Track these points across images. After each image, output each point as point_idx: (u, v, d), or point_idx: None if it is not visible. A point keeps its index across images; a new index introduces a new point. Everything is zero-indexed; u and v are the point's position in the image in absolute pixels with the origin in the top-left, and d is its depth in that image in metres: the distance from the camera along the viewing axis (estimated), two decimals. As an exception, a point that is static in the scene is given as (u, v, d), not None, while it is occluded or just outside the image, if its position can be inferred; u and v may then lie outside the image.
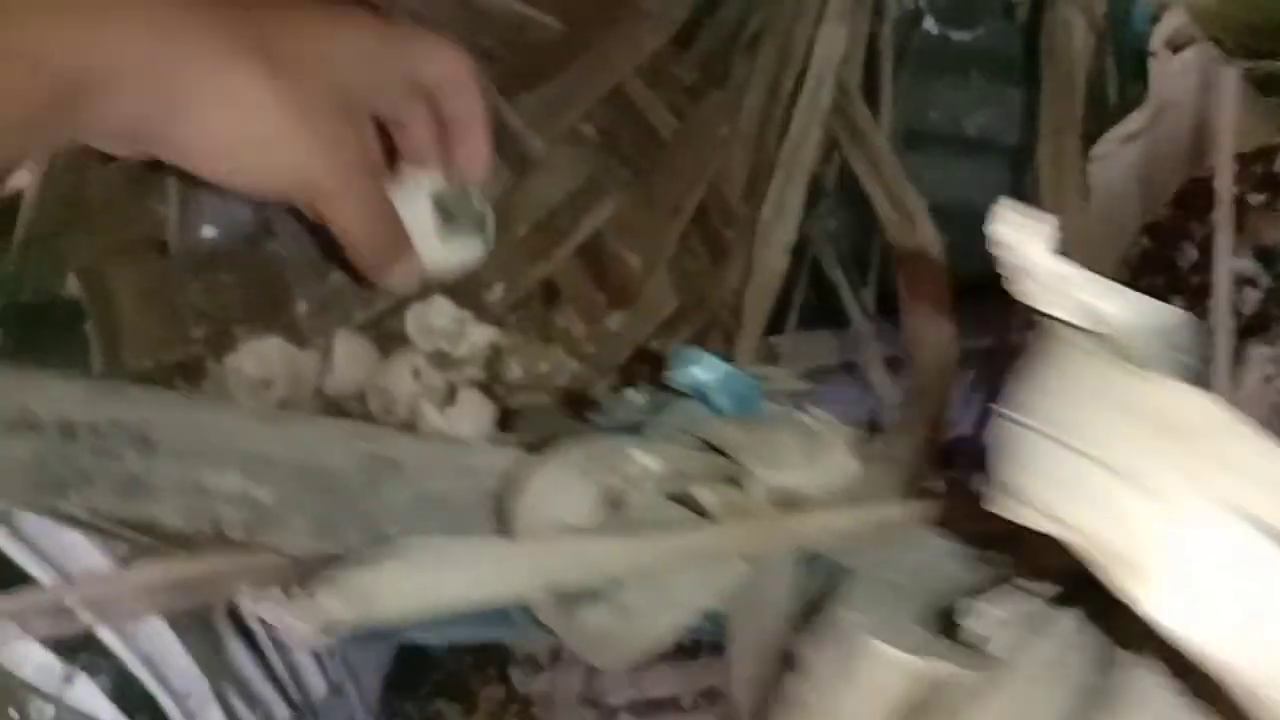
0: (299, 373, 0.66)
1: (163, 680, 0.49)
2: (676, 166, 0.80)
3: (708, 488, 0.38)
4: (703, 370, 0.40)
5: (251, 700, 0.53)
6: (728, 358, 0.68)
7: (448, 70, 0.42)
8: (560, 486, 0.37)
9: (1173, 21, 0.72)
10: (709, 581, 0.39)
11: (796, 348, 0.80)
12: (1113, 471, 0.20)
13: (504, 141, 0.82)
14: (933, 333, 0.62)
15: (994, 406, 0.23)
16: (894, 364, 0.77)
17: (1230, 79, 0.73)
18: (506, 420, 0.59)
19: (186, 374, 0.65)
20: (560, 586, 0.34)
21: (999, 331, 0.74)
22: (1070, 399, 0.22)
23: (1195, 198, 0.68)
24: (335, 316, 0.65)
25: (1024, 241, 0.22)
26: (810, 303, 0.79)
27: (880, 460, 0.50)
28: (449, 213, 0.45)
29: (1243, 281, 0.62)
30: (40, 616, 0.45)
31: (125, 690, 0.48)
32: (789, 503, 0.39)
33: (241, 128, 0.35)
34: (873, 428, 0.77)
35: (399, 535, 0.43)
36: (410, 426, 0.62)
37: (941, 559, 0.38)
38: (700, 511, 0.39)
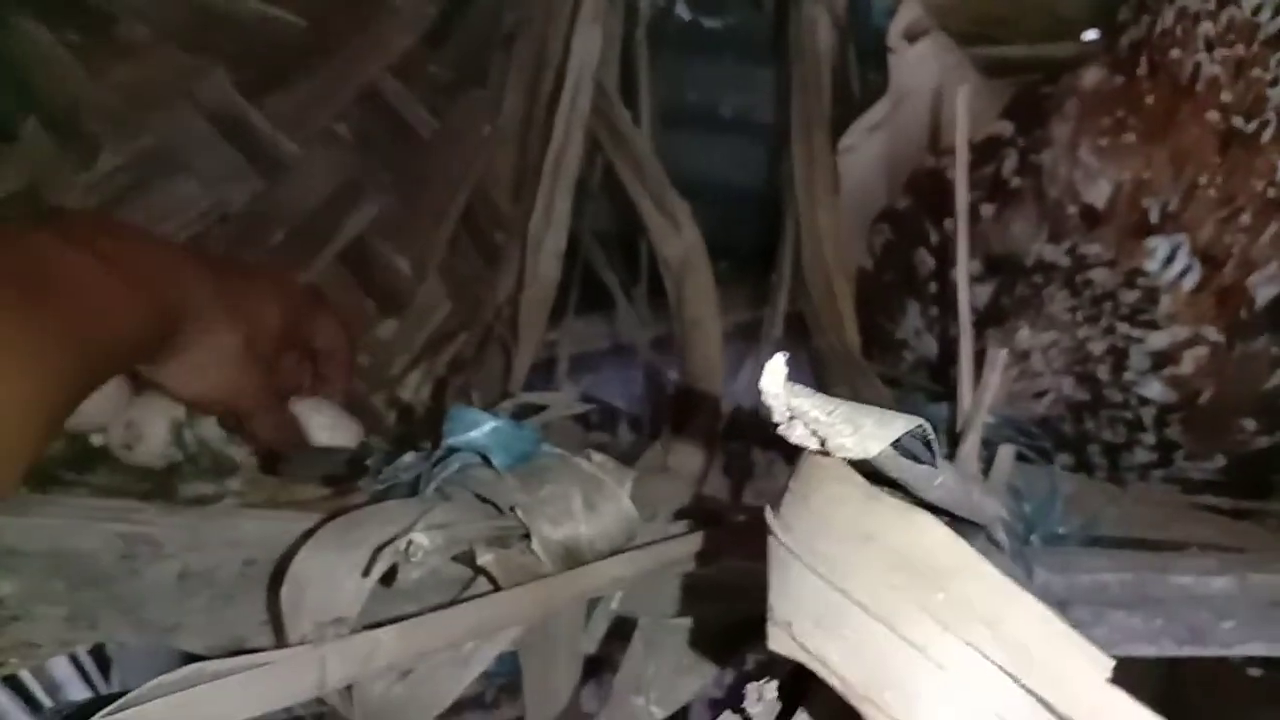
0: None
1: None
2: (438, 167, 0.78)
3: (490, 552, 0.38)
4: (476, 430, 0.39)
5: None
6: (504, 388, 0.67)
7: (330, 343, 0.60)
8: (325, 571, 0.35)
9: (908, 13, 0.75)
10: (496, 640, 0.38)
11: (573, 335, 0.80)
12: (868, 612, 0.21)
13: (254, 146, 0.78)
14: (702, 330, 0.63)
15: (767, 511, 0.23)
16: (661, 343, 0.78)
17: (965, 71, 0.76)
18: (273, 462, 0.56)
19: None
20: (339, 684, 0.33)
21: (758, 304, 0.76)
22: (828, 531, 0.22)
23: (929, 191, 0.71)
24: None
25: (789, 390, 0.23)
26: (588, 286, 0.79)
27: (658, 484, 0.51)
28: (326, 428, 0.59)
29: (974, 280, 0.65)
30: None
31: None
32: (571, 556, 0.39)
33: (213, 368, 0.50)
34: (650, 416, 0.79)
35: (162, 621, 0.41)
36: (161, 472, 0.59)
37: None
38: (485, 572, 0.39)
